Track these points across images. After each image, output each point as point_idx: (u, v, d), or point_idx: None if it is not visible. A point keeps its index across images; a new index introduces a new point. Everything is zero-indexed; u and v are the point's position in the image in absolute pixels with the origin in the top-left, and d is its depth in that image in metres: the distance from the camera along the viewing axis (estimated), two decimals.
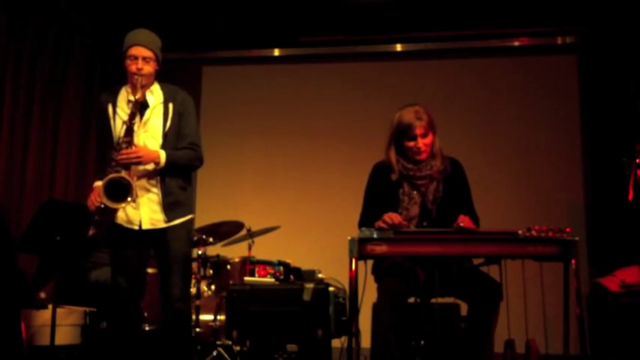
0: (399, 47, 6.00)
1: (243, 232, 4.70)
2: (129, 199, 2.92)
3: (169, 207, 3.07)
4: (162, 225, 3.07)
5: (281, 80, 6.17)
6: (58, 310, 3.77)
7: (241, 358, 3.95)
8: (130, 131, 2.98)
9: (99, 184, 3.02)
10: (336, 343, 4.02)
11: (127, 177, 2.92)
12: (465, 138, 5.55)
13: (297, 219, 5.72)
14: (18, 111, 4.57)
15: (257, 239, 4.68)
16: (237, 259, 4.51)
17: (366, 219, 2.98)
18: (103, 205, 2.93)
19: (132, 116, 3.00)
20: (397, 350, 2.76)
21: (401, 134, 3.00)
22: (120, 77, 5.85)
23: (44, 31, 4.89)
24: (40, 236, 3.72)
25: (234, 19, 5.66)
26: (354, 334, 2.72)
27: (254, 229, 4.66)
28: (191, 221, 3.21)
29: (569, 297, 2.69)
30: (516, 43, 5.86)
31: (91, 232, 3.02)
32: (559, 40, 5.78)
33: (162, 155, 3.03)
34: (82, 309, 4.15)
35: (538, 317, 2.86)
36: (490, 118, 5.83)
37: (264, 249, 4.70)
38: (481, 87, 5.90)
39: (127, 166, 2.95)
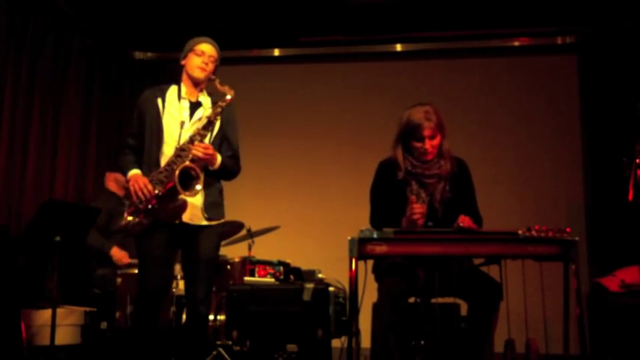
0: (399, 47, 6.00)
1: (243, 232, 4.70)
2: (198, 187, 2.94)
3: (210, 206, 3.08)
4: (202, 222, 3.06)
5: (281, 80, 6.17)
6: (58, 310, 3.77)
7: (241, 358, 3.95)
8: (209, 125, 3.02)
9: (138, 172, 3.05)
10: (336, 343, 4.02)
11: (197, 169, 2.96)
12: (465, 138, 5.53)
13: (297, 219, 5.72)
14: (18, 111, 4.57)
15: (257, 239, 4.68)
16: (237, 259, 4.51)
17: (378, 218, 2.98)
18: (160, 193, 2.94)
19: (219, 112, 3.04)
20: (397, 350, 2.76)
21: (409, 134, 2.99)
22: (120, 76, 5.85)
23: (44, 30, 4.89)
24: (40, 236, 3.72)
25: (234, 19, 5.65)
26: (354, 334, 2.72)
27: (254, 229, 4.66)
28: (222, 226, 3.20)
29: (569, 297, 2.69)
30: (516, 43, 5.86)
31: (127, 222, 3.00)
32: (559, 40, 5.78)
33: (219, 159, 3.08)
34: (82, 309, 4.16)
35: (538, 317, 2.86)
36: (490, 118, 5.83)
37: (264, 249, 4.70)
38: (481, 87, 5.90)
39: (192, 160, 2.96)
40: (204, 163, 3.02)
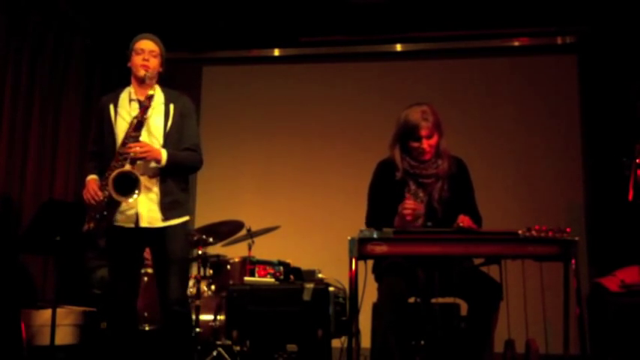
0: (399, 47, 6.00)
1: (243, 232, 4.69)
2: (136, 192, 2.93)
3: (168, 206, 3.07)
4: (160, 224, 3.06)
5: (281, 80, 6.17)
6: (58, 310, 3.77)
7: (241, 358, 3.95)
8: (140, 126, 3.01)
9: (94, 177, 3.09)
10: (336, 343, 4.02)
11: (135, 172, 2.95)
12: (465, 138, 5.53)
13: (297, 219, 5.72)
14: (18, 111, 4.57)
15: (257, 239, 4.67)
16: (237, 259, 4.51)
17: (374, 217, 2.98)
18: (106, 199, 2.97)
19: (144, 110, 3.02)
20: (397, 350, 2.76)
21: (406, 134, 2.99)
22: (120, 76, 5.84)
23: (44, 31, 4.89)
24: (40, 236, 3.72)
25: (234, 19, 5.66)
26: (354, 334, 2.72)
27: (254, 229, 4.66)
28: (188, 223, 3.21)
29: (569, 297, 2.69)
30: (516, 43, 5.86)
31: (88, 227, 3.04)
32: (559, 40, 5.78)
33: (164, 154, 3.04)
34: (81, 309, 4.15)
35: (538, 317, 2.86)
36: (490, 118, 5.83)
37: (264, 249, 4.69)
38: (481, 87, 5.90)
39: (132, 162, 2.97)
40: (149, 160, 3.02)
